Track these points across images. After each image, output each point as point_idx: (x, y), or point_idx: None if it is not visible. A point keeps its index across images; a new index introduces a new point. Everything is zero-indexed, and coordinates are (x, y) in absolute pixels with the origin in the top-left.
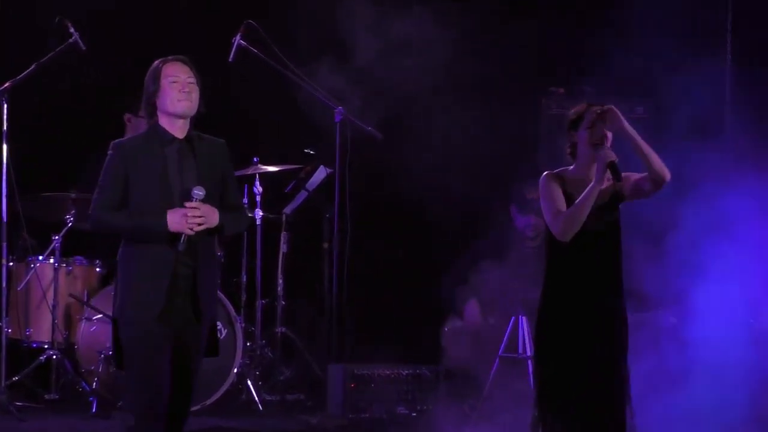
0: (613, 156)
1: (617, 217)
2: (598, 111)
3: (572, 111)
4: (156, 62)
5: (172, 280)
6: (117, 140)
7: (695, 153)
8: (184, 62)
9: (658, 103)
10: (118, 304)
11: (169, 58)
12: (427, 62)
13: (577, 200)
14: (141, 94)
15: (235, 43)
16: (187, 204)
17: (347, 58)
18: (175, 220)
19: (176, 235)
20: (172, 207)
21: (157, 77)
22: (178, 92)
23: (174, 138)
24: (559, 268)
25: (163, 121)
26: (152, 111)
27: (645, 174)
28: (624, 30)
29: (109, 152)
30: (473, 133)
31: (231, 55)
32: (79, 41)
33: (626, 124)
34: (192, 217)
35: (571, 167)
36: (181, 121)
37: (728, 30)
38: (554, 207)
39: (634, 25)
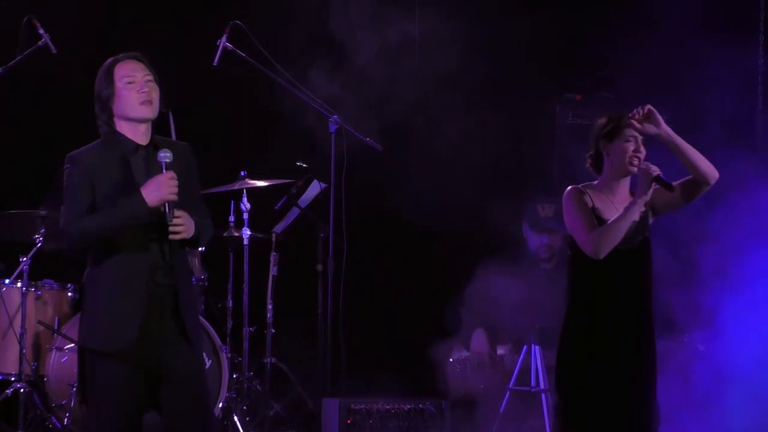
0: (657, 169)
1: (649, 235)
2: (640, 113)
3: (606, 120)
4: (107, 62)
5: (149, 300)
6: (72, 152)
7: (729, 159)
8: (138, 59)
9: (685, 108)
10: (85, 330)
11: (121, 55)
12: (431, 67)
13: (619, 214)
14: None
15: (221, 46)
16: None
17: (344, 62)
18: (152, 190)
19: (156, 222)
20: (141, 229)
21: (110, 79)
22: (136, 94)
23: (138, 146)
24: (586, 288)
25: (123, 128)
26: (109, 118)
27: (686, 179)
28: (643, 28)
29: (66, 165)
30: (480, 143)
31: (215, 59)
32: (50, 43)
33: (665, 125)
34: (168, 180)
35: (596, 181)
36: (143, 126)
37: (761, 31)
38: (586, 222)
39: (654, 23)
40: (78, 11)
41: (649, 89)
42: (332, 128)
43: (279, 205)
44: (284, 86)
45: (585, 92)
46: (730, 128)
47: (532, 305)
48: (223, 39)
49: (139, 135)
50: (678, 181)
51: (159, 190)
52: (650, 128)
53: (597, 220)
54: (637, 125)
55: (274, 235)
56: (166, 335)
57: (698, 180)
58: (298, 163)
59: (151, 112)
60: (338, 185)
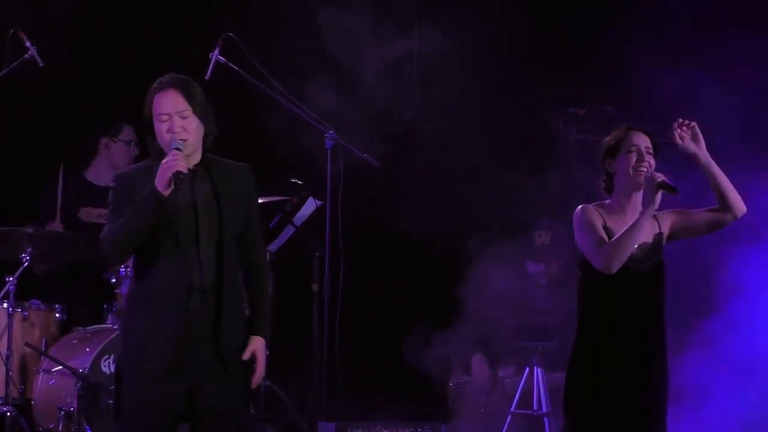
0: (660, 175)
1: (662, 258)
2: (684, 124)
3: (610, 136)
4: (150, 89)
5: (184, 324)
6: (118, 172)
7: (746, 173)
8: (176, 89)
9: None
10: (122, 349)
11: (164, 81)
12: (431, 81)
13: (628, 226)
14: (116, 116)
15: (213, 59)
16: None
17: (341, 77)
18: (158, 174)
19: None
20: (187, 249)
21: (150, 111)
22: (167, 133)
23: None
24: (598, 309)
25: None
26: (153, 140)
27: (713, 208)
28: (646, 34)
29: (111, 184)
30: (481, 160)
31: (208, 72)
32: (37, 56)
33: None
34: (169, 159)
35: (608, 201)
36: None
37: None
38: (596, 236)
39: (659, 27)
40: (67, 22)
41: (655, 105)
42: (328, 144)
43: (273, 223)
44: (279, 100)
45: (589, 107)
46: (743, 129)
47: (534, 327)
48: (216, 52)
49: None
50: (704, 209)
51: (162, 170)
52: (690, 146)
53: (610, 239)
54: (678, 140)
55: (268, 254)
56: (203, 362)
57: (725, 210)
58: (293, 180)
59: (185, 147)
60: (334, 203)
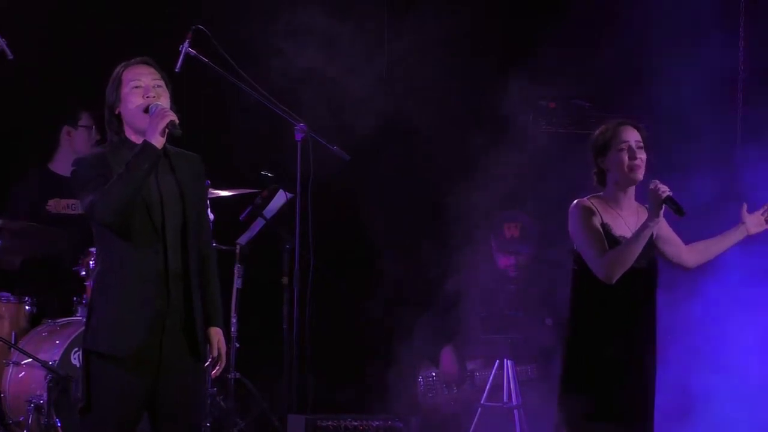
0: (666, 189)
1: (655, 255)
2: None
3: (598, 133)
4: (117, 68)
5: (153, 310)
6: (79, 156)
7: (711, 180)
8: (147, 63)
9: (659, 117)
10: (91, 332)
11: (131, 60)
12: (402, 75)
13: (630, 238)
14: (79, 104)
15: (183, 52)
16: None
17: (312, 70)
18: (149, 129)
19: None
20: (153, 237)
21: (117, 85)
22: (142, 99)
23: None
24: (594, 304)
25: (133, 136)
26: (118, 127)
27: (685, 248)
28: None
29: (73, 168)
30: (452, 153)
31: (178, 65)
32: (6, 48)
33: None
34: (159, 112)
35: (602, 193)
36: None
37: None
38: (597, 246)
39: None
40: (36, 15)
41: (618, 96)
42: (298, 136)
43: (243, 215)
44: (249, 93)
45: (560, 100)
46: (710, 120)
47: (503, 319)
48: (186, 44)
49: None
50: (686, 246)
51: (154, 120)
52: (752, 223)
53: (607, 236)
54: (746, 211)
55: (238, 246)
56: (168, 349)
57: (692, 260)
58: (263, 172)
59: None
60: (305, 195)
